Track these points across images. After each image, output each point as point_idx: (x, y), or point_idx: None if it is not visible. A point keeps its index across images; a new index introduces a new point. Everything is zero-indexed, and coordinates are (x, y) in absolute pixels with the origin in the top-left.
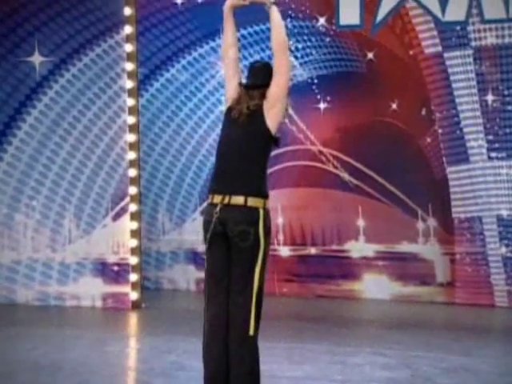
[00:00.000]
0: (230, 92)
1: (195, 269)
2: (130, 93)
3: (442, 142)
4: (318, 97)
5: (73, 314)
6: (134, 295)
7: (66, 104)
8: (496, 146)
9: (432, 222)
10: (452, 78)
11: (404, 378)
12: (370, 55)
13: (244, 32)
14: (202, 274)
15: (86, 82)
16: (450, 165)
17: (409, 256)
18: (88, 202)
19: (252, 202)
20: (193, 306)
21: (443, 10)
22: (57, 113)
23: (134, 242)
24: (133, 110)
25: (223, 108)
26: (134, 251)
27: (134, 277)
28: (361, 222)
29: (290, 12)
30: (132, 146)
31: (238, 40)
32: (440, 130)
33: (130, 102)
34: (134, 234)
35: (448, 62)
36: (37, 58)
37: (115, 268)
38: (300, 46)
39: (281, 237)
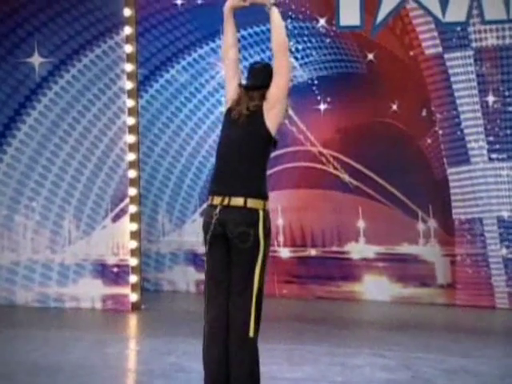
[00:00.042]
0: (230, 93)
1: (195, 270)
2: (130, 94)
3: (442, 143)
4: (318, 98)
5: (72, 316)
6: (133, 297)
7: (66, 105)
8: (497, 147)
9: (432, 224)
10: (452, 78)
11: (404, 380)
12: (371, 56)
13: (244, 33)
14: (201, 276)
15: (85, 83)
16: (451, 166)
17: (409, 257)
18: (88, 204)
19: (252, 203)
20: (193, 308)
21: (444, 11)
22: (56, 114)
23: (133, 244)
24: (132, 111)
25: (223, 109)
26: (133, 252)
27: (133, 278)
28: (361, 224)
29: (290, 13)
30: (131, 147)
31: (238, 41)
32: (440, 131)
33: (130, 103)
34: (134, 235)
35: (448, 63)
36: (36, 59)
37: (115, 269)
38: (300, 46)
39: (281, 238)
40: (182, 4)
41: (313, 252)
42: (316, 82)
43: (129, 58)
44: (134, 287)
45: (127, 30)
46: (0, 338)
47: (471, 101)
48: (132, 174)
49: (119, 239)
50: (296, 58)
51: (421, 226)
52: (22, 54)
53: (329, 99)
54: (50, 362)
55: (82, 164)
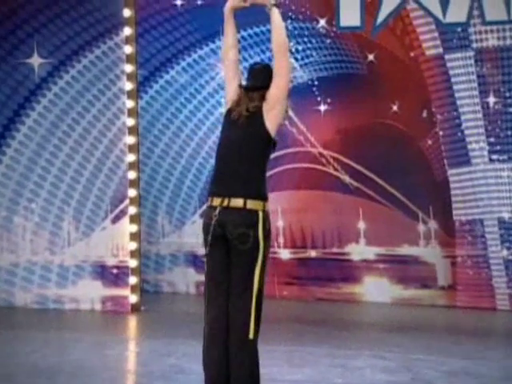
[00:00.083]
0: (230, 94)
1: (195, 272)
2: (130, 95)
3: (443, 144)
4: (319, 99)
5: (72, 317)
6: (133, 298)
7: (65, 106)
8: (497, 149)
9: (433, 225)
10: (453, 79)
11: (404, 382)
12: (371, 57)
13: (244, 33)
14: (201, 277)
15: (85, 83)
16: (451, 167)
17: (410, 259)
18: (87, 205)
19: (251, 204)
20: (192, 309)
21: (444, 12)
22: (56, 115)
23: (133, 245)
24: (132, 112)
25: (223, 110)
26: (133, 254)
27: (133, 280)
28: (361, 225)
29: (290, 13)
30: (131, 148)
31: (239, 42)
32: (441, 132)
33: (130, 103)
34: (134, 236)
35: (449, 64)
36: (36, 60)
37: (114, 271)
38: (300, 47)
39: (281, 239)
40: (181, 5)
41: (313, 253)
42: (316, 82)
43: (128, 58)
44: (133, 289)
45: (127, 31)
46: None
47: (472, 102)
48: (132, 175)
49: (119, 240)
50: (296, 59)
51: (421, 228)
52: (21, 55)
53: (329, 100)
54: (50, 364)
55: (81, 165)
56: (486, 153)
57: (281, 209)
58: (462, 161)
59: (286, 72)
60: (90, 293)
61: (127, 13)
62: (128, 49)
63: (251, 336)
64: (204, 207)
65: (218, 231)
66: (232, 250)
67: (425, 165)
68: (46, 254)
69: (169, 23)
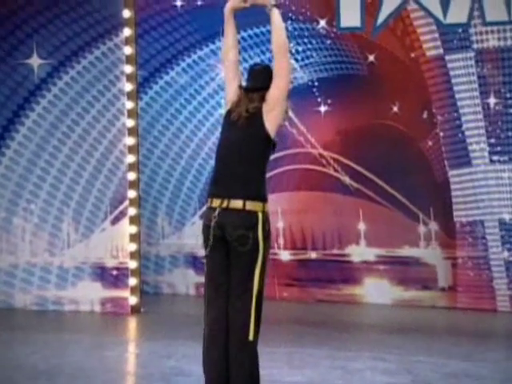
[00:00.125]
0: (230, 95)
1: (195, 273)
2: (129, 96)
3: (443, 145)
4: (319, 99)
5: (71, 319)
6: (133, 300)
7: (65, 107)
8: (498, 150)
9: (433, 226)
10: (453, 80)
11: None
12: (371, 58)
13: (244, 34)
14: (201, 279)
15: (84, 84)
16: (452, 168)
17: (410, 260)
18: (87, 206)
19: (251, 205)
20: (192, 311)
21: (445, 13)
22: (55, 116)
23: (133, 246)
24: (132, 113)
25: (223, 111)
26: (133, 255)
27: (133, 281)
28: (362, 226)
29: (290, 14)
30: (131, 150)
31: (239, 42)
32: (441, 133)
33: (129, 104)
34: (133, 237)
35: (449, 65)
36: (35, 61)
37: (114, 272)
38: (300, 48)
39: (281, 241)
40: (181, 5)
41: (313, 255)
42: (316, 83)
43: (128, 59)
44: (133, 290)
45: (126, 32)
46: None
47: (472, 103)
48: (131, 176)
49: (118, 242)
50: (296, 60)
51: (422, 229)
52: (20, 56)
53: (329, 101)
54: (50, 365)
55: (81, 166)
56: (486, 154)
57: (281, 210)
58: (463, 162)
59: (286, 73)
60: (89, 294)
61: (127, 14)
62: (128, 50)
63: (251, 337)
64: (204, 208)
65: (218, 233)
66: (232, 251)
67: (425, 166)
68: (45, 256)
69: (169, 24)
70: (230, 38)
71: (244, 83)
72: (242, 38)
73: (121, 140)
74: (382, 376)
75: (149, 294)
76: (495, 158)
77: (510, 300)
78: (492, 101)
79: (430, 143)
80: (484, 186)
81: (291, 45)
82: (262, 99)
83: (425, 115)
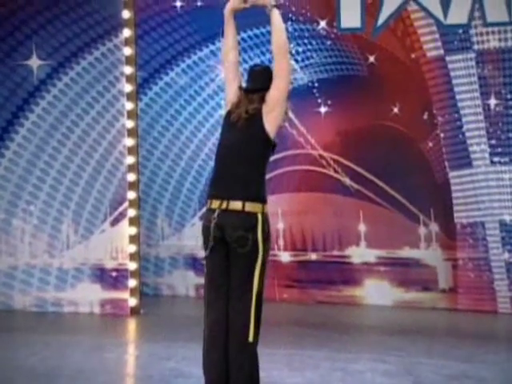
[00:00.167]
0: (230, 96)
1: (194, 274)
2: (129, 97)
3: (444, 147)
4: (319, 100)
5: (71, 320)
6: (132, 301)
7: (64, 108)
8: (499, 151)
9: (434, 227)
10: (454, 81)
11: None
12: (372, 58)
13: (244, 35)
14: (201, 280)
15: (84, 85)
16: (452, 169)
17: (410, 261)
18: (86, 207)
19: (250, 207)
20: (192, 312)
21: (445, 13)
22: (55, 117)
23: (132, 248)
24: (131, 114)
25: (223, 112)
26: (132, 257)
27: (132, 283)
28: (362, 227)
29: (290, 15)
30: (131, 151)
31: (239, 43)
32: (442, 134)
33: (129, 105)
34: (133, 239)
35: (450, 66)
36: (34, 62)
37: (114, 274)
38: (300, 49)
39: (281, 242)
40: (181, 6)
41: (313, 256)
42: (316, 84)
43: (128, 60)
44: (132, 292)
45: (126, 33)
46: None
47: (473, 103)
48: (131, 177)
49: (118, 243)
50: (296, 61)
51: (422, 230)
52: (19, 57)
53: (329, 102)
54: (49, 367)
55: (80, 167)
56: (487, 155)
57: (281, 211)
58: (463, 163)
59: (285, 74)
60: (88, 296)
61: (126, 14)
62: (127, 50)
63: (251, 339)
64: (204, 210)
65: (217, 234)
66: (231, 252)
67: (426, 167)
68: (44, 257)
69: (168, 25)
70: (230, 38)
71: (244, 84)
72: (242, 38)
73: (120, 141)
74: (382, 378)
75: (148, 295)
76: (496, 159)
77: (510, 302)
78: (493, 102)
79: (430, 144)
80: (485, 187)
81: (291, 46)
82: (262, 100)
83: (425, 116)
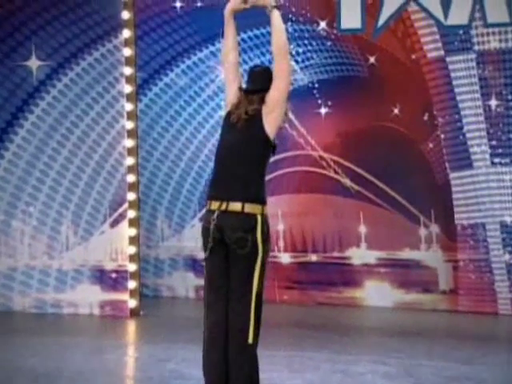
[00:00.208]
0: (230, 97)
1: (194, 276)
2: (129, 97)
3: (444, 148)
4: (319, 101)
5: (70, 322)
6: (132, 303)
7: (64, 109)
8: (499, 152)
9: (434, 229)
10: (455, 82)
11: None
12: (372, 59)
13: (244, 36)
14: (201, 281)
15: (83, 86)
16: (453, 170)
17: (411, 263)
18: (86, 209)
19: (249, 208)
20: (192, 314)
21: (446, 14)
22: (54, 118)
23: (132, 249)
24: (131, 115)
25: (223, 113)
26: (132, 258)
27: (132, 284)
28: (362, 229)
29: (290, 16)
30: (130, 152)
31: (239, 44)
32: (442, 135)
33: (129, 106)
34: (133, 240)
35: (451, 67)
36: (34, 63)
37: (113, 275)
38: (301, 50)
39: (281, 243)
40: (181, 7)
41: (313, 257)
42: (317, 85)
43: (127, 61)
44: (132, 293)
45: (126, 33)
46: None
47: (473, 104)
48: (131, 178)
49: (118, 244)
50: (296, 62)
51: (423, 231)
52: (19, 58)
53: (330, 103)
54: (49, 369)
55: (80, 169)
56: (487, 156)
57: (281, 212)
58: (464, 164)
59: (285, 74)
60: (88, 297)
61: (126, 15)
62: (127, 51)
63: (250, 340)
64: (203, 211)
65: (217, 235)
66: (231, 254)
67: (426, 168)
68: (44, 259)
69: (168, 25)
70: (230, 39)
71: (244, 85)
72: (242, 39)
73: (120, 142)
74: (382, 380)
75: (148, 296)
76: (496, 160)
77: (511, 303)
78: (493, 103)
79: (430, 145)
80: (485, 188)
81: (291, 46)
82: (262, 101)
83: (426, 117)
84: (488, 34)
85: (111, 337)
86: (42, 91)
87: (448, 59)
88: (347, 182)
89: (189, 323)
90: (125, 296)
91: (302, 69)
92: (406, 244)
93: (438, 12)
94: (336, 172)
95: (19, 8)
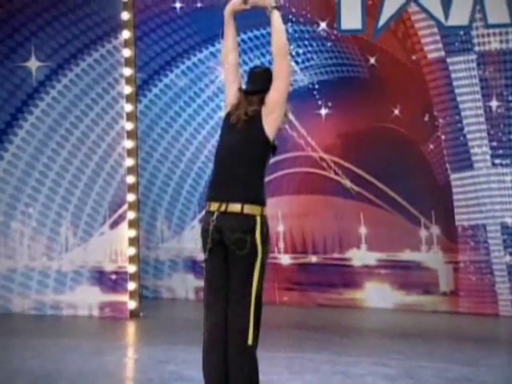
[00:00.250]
0: (230, 97)
1: (194, 277)
2: (128, 98)
3: (445, 149)
4: (319, 102)
5: (70, 324)
6: (132, 304)
7: (63, 110)
8: (500, 153)
9: (435, 230)
10: (455, 83)
11: None
12: (372, 60)
13: (244, 36)
14: (201, 283)
15: (83, 87)
16: (454, 171)
17: (411, 264)
18: (85, 210)
19: (249, 209)
20: (192, 315)
21: (446, 15)
22: (54, 119)
23: (132, 250)
24: (131, 116)
25: (223, 114)
26: (132, 259)
27: (132, 285)
28: (362, 230)
29: (290, 16)
30: (130, 153)
31: (239, 44)
32: (443, 136)
33: (128, 107)
34: (132, 241)
35: (451, 67)
36: (33, 64)
37: (113, 276)
38: (301, 50)
39: (281, 245)
40: (181, 7)
41: (314, 259)
42: (317, 86)
43: (127, 62)
44: (132, 294)
45: (125, 34)
46: None
47: (474, 105)
48: (130, 179)
49: (117, 246)
50: (297, 62)
51: (423, 233)
52: (18, 59)
53: (330, 104)
54: (48, 370)
55: (79, 170)
56: (488, 157)
57: (281, 213)
58: (465, 165)
59: (285, 75)
60: (87, 299)
61: (126, 16)
62: (127, 52)
63: (250, 342)
64: (203, 212)
65: (216, 237)
66: (230, 255)
67: (427, 169)
68: (43, 260)
69: (168, 26)
70: (229, 40)
71: (244, 86)
72: (242, 40)
73: (120, 143)
74: (383, 381)
75: (148, 298)
76: (497, 161)
77: None
78: (494, 104)
79: (431, 146)
80: (486, 189)
81: (291, 47)
82: (262, 102)
83: (426, 118)
84: (489, 34)
85: (111, 338)
86: (41, 92)
87: (448, 60)
88: (347, 183)
89: (189, 325)
90: (124, 297)
91: (302, 70)
92: (406, 245)
93: (439, 13)
94: (336, 173)
95: (19, 9)
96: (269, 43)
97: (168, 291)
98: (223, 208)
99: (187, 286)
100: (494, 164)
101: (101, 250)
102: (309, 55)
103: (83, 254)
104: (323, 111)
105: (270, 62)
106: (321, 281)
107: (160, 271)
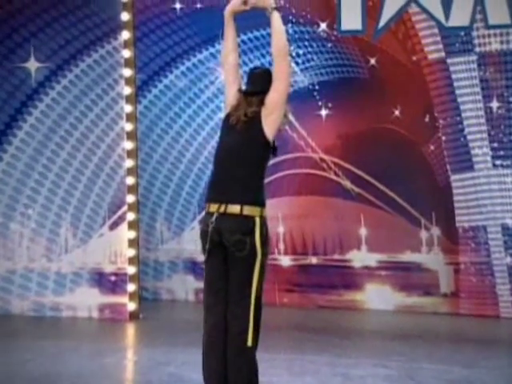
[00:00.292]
0: (230, 98)
1: (194, 279)
2: (128, 99)
3: (445, 150)
4: (320, 103)
5: (69, 325)
6: (131, 306)
7: (63, 111)
8: (501, 154)
9: (435, 231)
10: (456, 84)
11: None
12: (373, 61)
13: (244, 37)
14: (200, 284)
15: (83, 88)
16: (454, 173)
17: (412, 266)
18: (85, 211)
19: (248, 210)
20: (191, 317)
21: (447, 16)
22: (53, 120)
23: (131, 252)
24: (130, 117)
25: (222, 115)
26: (131, 261)
27: (131, 287)
28: (363, 231)
29: (290, 17)
30: (130, 154)
31: (239, 45)
32: (443, 137)
33: (128, 108)
34: (132, 243)
35: (452, 68)
36: (33, 64)
37: (112, 278)
38: (301, 51)
39: (281, 246)
40: (180, 8)
41: (314, 260)
42: (317, 87)
43: (127, 63)
44: (131, 296)
45: (125, 35)
46: None
47: (475, 106)
48: (130, 180)
49: (117, 247)
50: (297, 63)
51: (424, 234)
52: (17, 59)
53: (330, 105)
54: (47, 372)
55: (79, 171)
56: (489, 158)
57: (281, 215)
58: (465, 166)
59: (285, 76)
60: (87, 300)
61: (125, 16)
62: (126, 53)
63: (249, 343)
64: (203, 213)
65: (215, 238)
66: (229, 256)
67: (427, 170)
68: (42, 261)
69: (168, 27)
70: (229, 41)
71: (244, 87)
72: (242, 40)
73: (119, 144)
74: (383, 383)
75: (148, 299)
76: (498, 162)
77: None
78: (495, 104)
79: (432, 147)
80: (486, 190)
81: (291, 48)
82: (261, 103)
83: (427, 119)
84: (489, 35)
85: (110, 340)
86: (40, 93)
87: (449, 61)
88: (348, 184)
89: (188, 326)
90: (124, 299)
91: (302, 70)
92: (406, 247)
93: (439, 13)
94: (336, 174)
95: (18, 10)
96: (269, 44)
97: (168, 293)
98: (222, 209)
99: (187, 288)
100: (494, 165)
101: (100, 252)
102: (309, 56)
103: (83, 256)
104: (323, 112)
105: (270, 63)
106: (321, 282)
107: (160, 273)
